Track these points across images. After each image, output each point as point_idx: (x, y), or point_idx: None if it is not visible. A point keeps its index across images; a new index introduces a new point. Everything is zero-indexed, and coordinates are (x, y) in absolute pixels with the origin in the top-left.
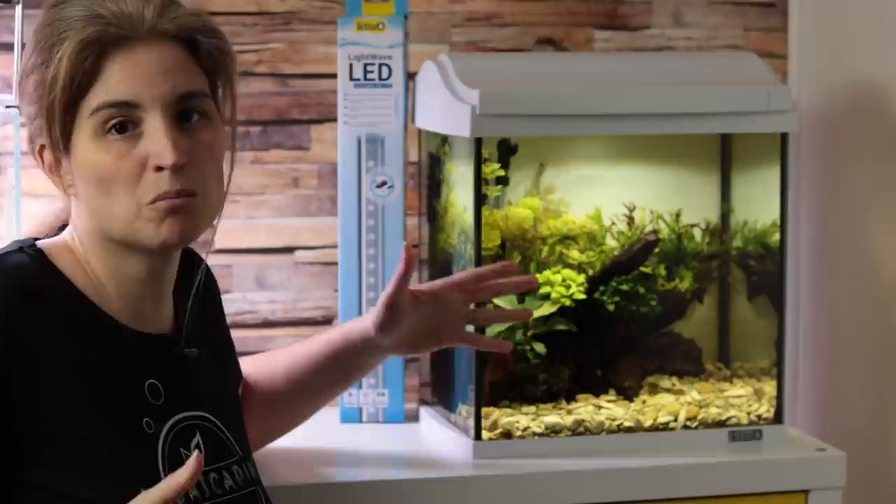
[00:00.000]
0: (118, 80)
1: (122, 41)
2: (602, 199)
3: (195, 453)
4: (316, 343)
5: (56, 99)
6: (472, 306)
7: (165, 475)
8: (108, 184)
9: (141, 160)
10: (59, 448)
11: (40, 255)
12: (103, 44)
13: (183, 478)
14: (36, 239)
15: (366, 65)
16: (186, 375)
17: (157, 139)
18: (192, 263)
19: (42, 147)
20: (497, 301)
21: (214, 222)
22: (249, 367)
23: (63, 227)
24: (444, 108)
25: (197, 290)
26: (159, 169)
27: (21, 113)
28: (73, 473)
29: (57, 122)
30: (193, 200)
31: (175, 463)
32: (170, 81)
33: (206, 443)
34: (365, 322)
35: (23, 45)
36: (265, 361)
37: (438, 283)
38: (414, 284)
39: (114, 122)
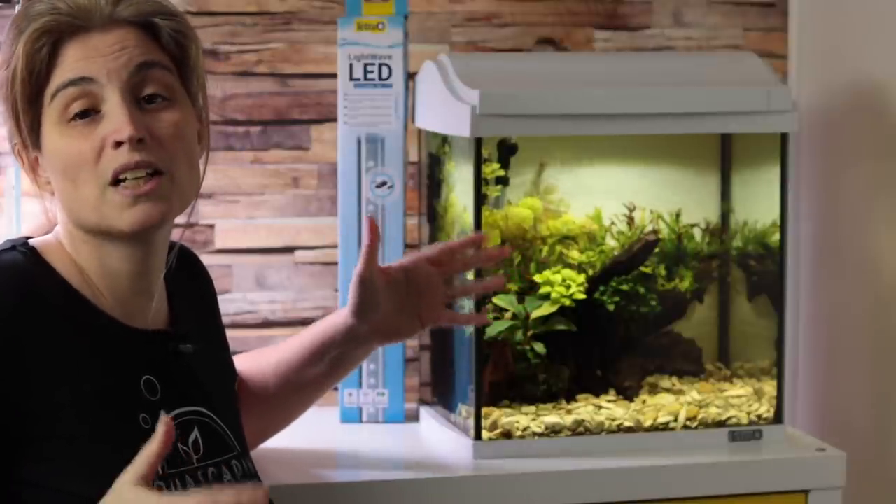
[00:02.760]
0: (74, 60)
1: (78, 30)
2: (602, 199)
3: (163, 416)
4: (301, 338)
5: (18, 92)
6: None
7: (163, 471)
8: (72, 170)
9: (101, 140)
10: (55, 444)
11: (33, 253)
12: (58, 32)
13: (154, 446)
14: (28, 238)
15: (366, 65)
16: (183, 371)
17: (114, 116)
18: (188, 262)
19: (19, 149)
20: (497, 301)
21: (189, 209)
22: (241, 364)
23: None
24: (444, 108)
25: (176, 281)
26: (118, 145)
27: None
28: (68, 470)
29: (23, 117)
30: (161, 182)
31: (172, 458)
32: (125, 56)
33: (205, 438)
34: (343, 311)
35: None
36: (255, 359)
37: (409, 258)
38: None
39: (75, 106)
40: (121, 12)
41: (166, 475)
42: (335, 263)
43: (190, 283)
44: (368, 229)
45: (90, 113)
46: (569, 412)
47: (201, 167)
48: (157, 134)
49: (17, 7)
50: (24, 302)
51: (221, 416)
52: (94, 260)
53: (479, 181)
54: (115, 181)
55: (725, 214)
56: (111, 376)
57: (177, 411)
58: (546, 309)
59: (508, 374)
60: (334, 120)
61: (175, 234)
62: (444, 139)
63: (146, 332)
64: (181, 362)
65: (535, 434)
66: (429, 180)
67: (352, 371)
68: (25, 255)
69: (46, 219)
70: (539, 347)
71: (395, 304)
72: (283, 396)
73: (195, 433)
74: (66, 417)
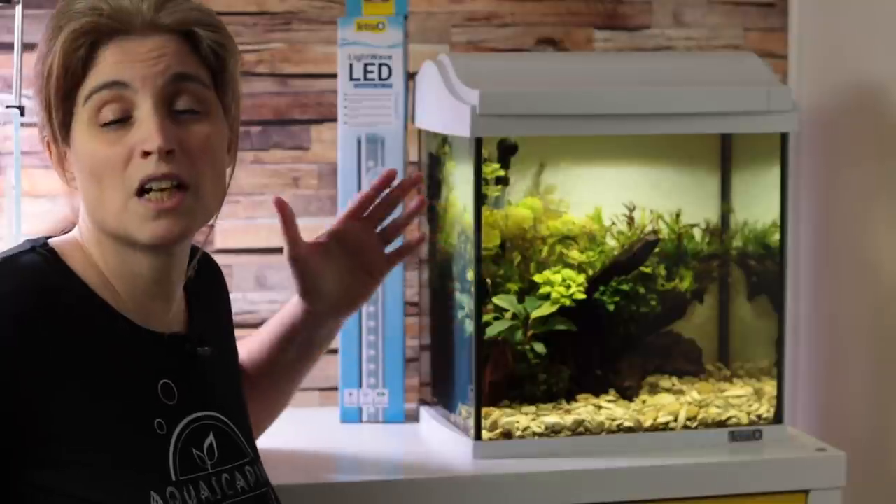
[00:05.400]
0: (110, 64)
1: (117, 33)
2: (602, 199)
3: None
4: (268, 326)
5: (52, 89)
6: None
7: (176, 476)
8: (99, 173)
9: (130, 148)
10: (70, 448)
11: (52, 254)
12: (96, 34)
13: None
14: (48, 237)
15: (366, 65)
16: (199, 375)
17: (144, 124)
18: (207, 267)
19: (47, 141)
20: (497, 301)
21: (211, 222)
22: None
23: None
24: (444, 108)
25: (195, 285)
26: (146, 154)
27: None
28: (82, 474)
29: (55, 113)
30: (185, 197)
31: (186, 463)
32: (162, 64)
33: (220, 443)
34: (295, 297)
35: (23, 45)
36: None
37: (333, 223)
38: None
39: (107, 112)
40: (162, 19)
41: (180, 481)
42: None
43: (208, 287)
44: (277, 209)
45: (122, 119)
46: (569, 412)
47: (227, 176)
48: (186, 146)
49: (19, 7)
50: (43, 304)
51: (235, 421)
52: (114, 262)
53: (479, 181)
54: (141, 192)
55: (725, 214)
56: (128, 380)
57: (192, 416)
58: (546, 309)
59: (508, 374)
60: (334, 120)
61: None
62: (444, 139)
63: (164, 335)
64: (197, 366)
65: (535, 434)
66: (429, 180)
67: (324, 350)
68: (44, 257)
69: (71, 212)
70: (539, 347)
71: (338, 272)
72: (262, 386)
73: (210, 438)
74: (82, 421)
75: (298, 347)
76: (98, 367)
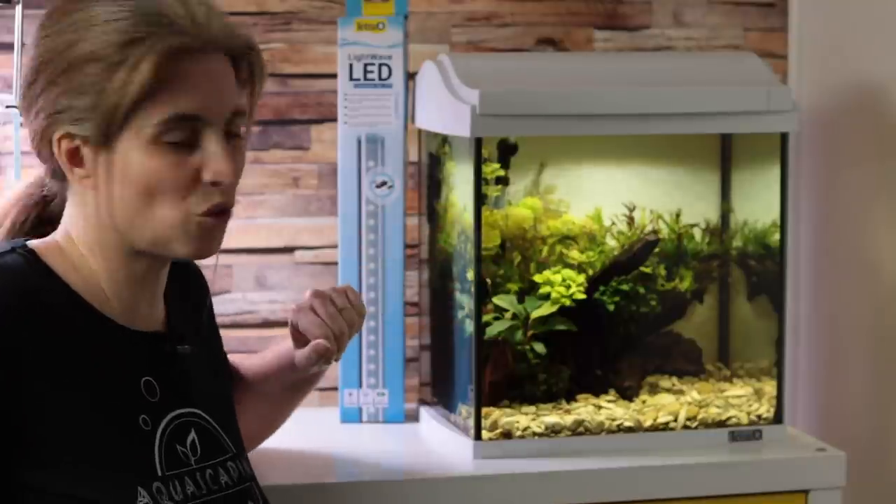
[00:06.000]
0: (185, 91)
1: (192, 52)
2: (602, 199)
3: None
4: (271, 350)
5: (124, 101)
6: None
7: (162, 472)
8: (154, 190)
9: (195, 172)
10: (56, 447)
11: (33, 255)
12: (181, 54)
13: None
14: (27, 239)
15: (366, 65)
16: (179, 373)
17: (217, 156)
18: (180, 264)
19: (63, 135)
20: (497, 301)
21: None
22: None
23: (40, 203)
24: (444, 108)
25: (172, 285)
26: (215, 184)
27: (26, 87)
28: (70, 472)
29: (116, 122)
30: (226, 218)
31: (171, 459)
32: (227, 98)
33: (202, 440)
34: (292, 351)
35: (23, 45)
36: (237, 363)
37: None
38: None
39: (175, 134)
40: (219, 37)
41: (166, 476)
42: (335, 263)
43: (182, 284)
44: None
45: (188, 143)
46: (569, 412)
47: None
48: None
49: (19, 7)
50: (24, 304)
51: (216, 418)
52: (108, 265)
53: (479, 181)
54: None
55: (725, 214)
56: (111, 378)
57: (175, 413)
58: (546, 309)
59: (508, 374)
60: (334, 120)
61: None
62: (444, 139)
63: (145, 333)
64: (178, 364)
65: (535, 434)
66: (429, 180)
67: (313, 386)
68: (25, 258)
69: (27, 196)
70: (539, 347)
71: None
72: (252, 403)
73: (192, 434)
74: (67, 420)
75: (288, 376)
76: (81, 366)
